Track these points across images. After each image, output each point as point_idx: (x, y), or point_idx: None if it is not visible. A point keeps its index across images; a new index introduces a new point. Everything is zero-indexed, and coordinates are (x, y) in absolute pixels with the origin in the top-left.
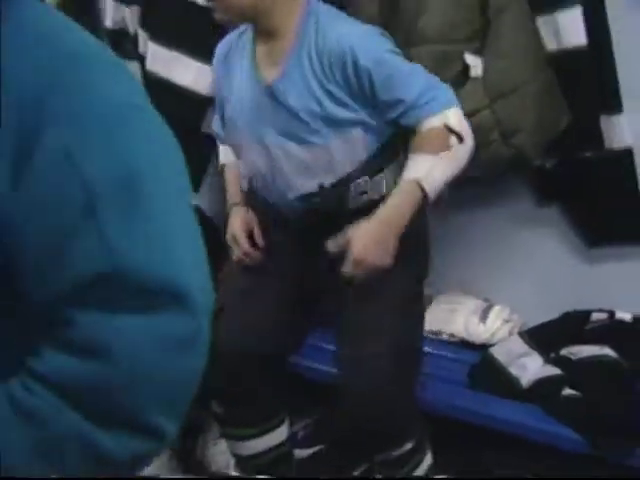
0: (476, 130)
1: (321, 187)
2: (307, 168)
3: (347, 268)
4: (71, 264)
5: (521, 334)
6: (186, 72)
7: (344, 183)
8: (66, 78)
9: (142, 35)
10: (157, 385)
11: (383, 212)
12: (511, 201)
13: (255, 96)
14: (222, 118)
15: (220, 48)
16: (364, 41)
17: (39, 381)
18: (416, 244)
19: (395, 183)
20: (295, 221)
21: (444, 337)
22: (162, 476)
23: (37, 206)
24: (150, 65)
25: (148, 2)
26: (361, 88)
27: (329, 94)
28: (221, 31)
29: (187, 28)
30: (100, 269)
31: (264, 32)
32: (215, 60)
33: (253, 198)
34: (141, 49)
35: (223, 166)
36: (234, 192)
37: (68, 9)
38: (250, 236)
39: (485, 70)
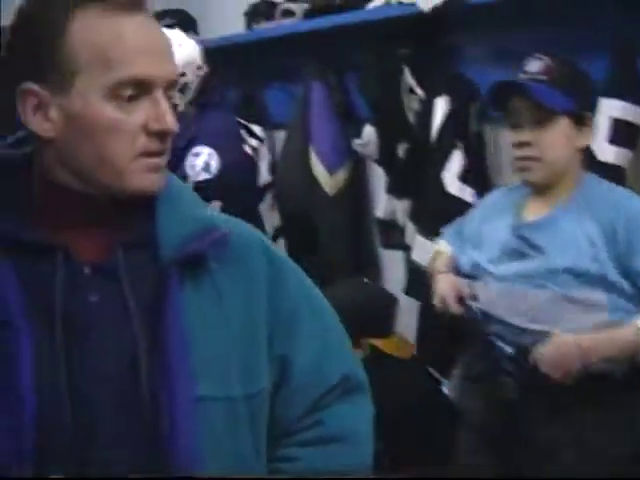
0: None
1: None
2: (542, 313)
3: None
4: (330, 372)
5: None
6: None
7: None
8: None
9: (410, 227)
10: None
11: (593, 337)
12: None
13: (510, 234)
14: (459, 232)
15: (489, 197)
16: None
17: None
18: None
19: None
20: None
21: None
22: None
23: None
24: (415, 255)
25: (418, 197)
26: (626, 253)
27: (592, 252)
28: None
29: (451, 222)
30: (343, 372)
31: (543, 188)
32: (479, 206)
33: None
34: (408, 240)
35: (439, 252)
36: (441, 265)
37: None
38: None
39: None
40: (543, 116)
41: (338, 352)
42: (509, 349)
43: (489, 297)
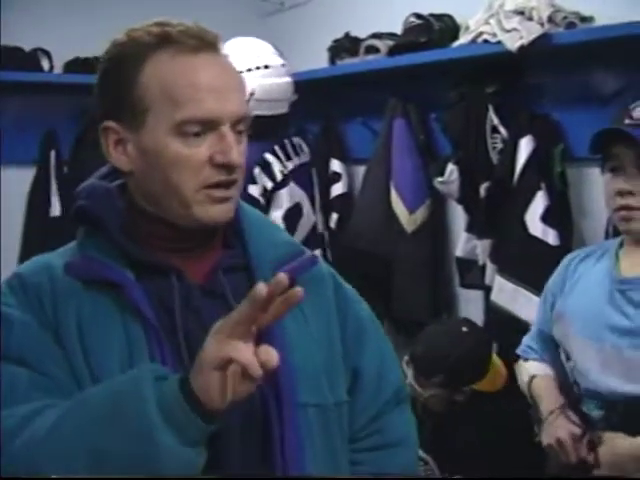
0: None
1: None
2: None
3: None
4: (388, 383)
5: None
6: (528, 306)
7: None
8: None
9: (490, 267)
10: None
11: None
12: None
13: (607, 291)
14: (547, 314)
15: (570, 257)
16: None
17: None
18: None
19: None
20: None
21: None
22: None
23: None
24: (495, 296)
25: (499, 237)
26: None
27: None
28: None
29: (534, 265)
30: (397, 383)
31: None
32: (559, 268)
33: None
34: (487, 280)
35: (534, 377)
36: (554, 399)
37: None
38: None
39: None
40: None
41: (393, 364)
42: (595, 414)
43: (579, 353)
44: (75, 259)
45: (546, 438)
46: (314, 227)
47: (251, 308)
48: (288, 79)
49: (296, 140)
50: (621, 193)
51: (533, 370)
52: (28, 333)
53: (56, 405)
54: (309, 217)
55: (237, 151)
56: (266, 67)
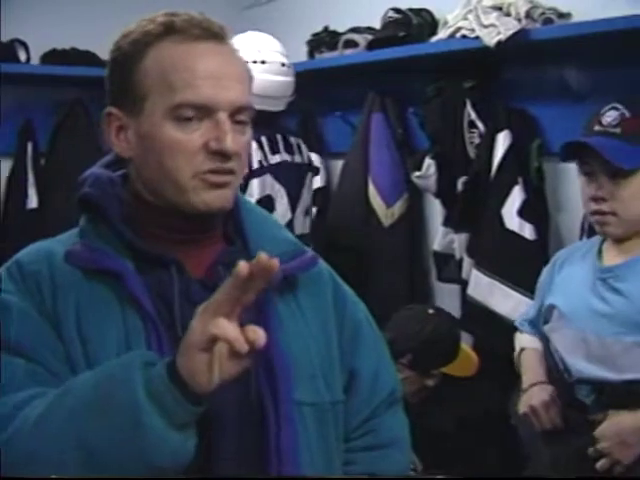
0: None
1: (630, 379)
2: (622, 359)
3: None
4: (383, 384)
5: None
6: (504, 300)
7: None
8: None
9: (467, 261)
10: None
11: None
12: None
13: (590, 281)
14: (539, 307)
15: (560, 254)
16: None
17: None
18: None
19: None
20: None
21: None
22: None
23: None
24: (471, 290)
25: (476, 232)
26: None
27: None
28: (539, 262)
29: (510, 259)
30: (392, 384)
31: (623, 239)
32: (550, 265)
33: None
34: (464, 274)
35: (523, 349)
36: (539, 372)
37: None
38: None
39: None
40: (617, 171)
41: (388, 365)
42: (588, 400)
43: (566, 344)
44: (76, 247)
45: (522, 407)
46: (289, 225)
47: (234, 287)
48: (286, 78)
49: (293, 140)
50: (594, 199)
51: (524, 342)
52: (26, 321)
53: (47, 393)
54: (283, 215)
55: (232, 139)
56: (263, 62)
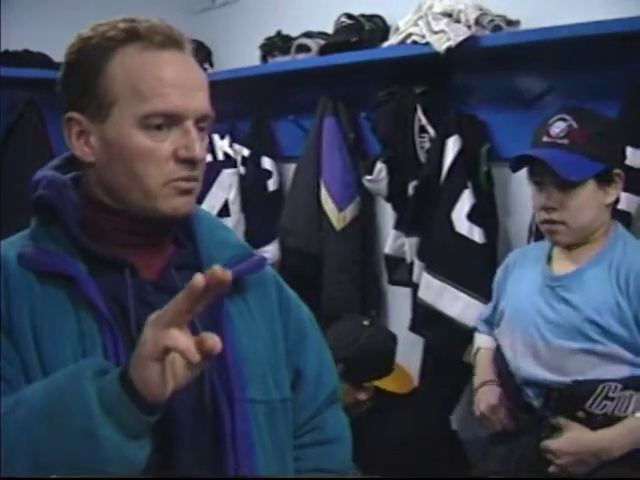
0: None
1: (576, 382)
2: (567, 363)
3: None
4: (326, 382)
5: None
6: (454, 303)
7: (596, 384)
8: None
9: (418, 264)
10: None
11: (603, 436)
12: None
13: (539, 287)
14: (494, 308)
15: (512, 255)
16: None
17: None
18: None
19: None
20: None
21: None
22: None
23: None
24: (422, 293)
25: (427, 235)
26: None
27: (617, 306)
28: (488, 265)
29: (460, 262)
30: (334, 383)
31: (572, 247)
32: (503, 266)
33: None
34: (415, 277)
35: (479, 349)
36: (489, 372)
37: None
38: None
39: None
40: (566, 182)
41: (330, 365)
42: (536, 402)
43: (515, 348)
44: (28, 250)
45: (476, 410)
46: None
47: (188, 299)
48: None
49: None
50: (544, 208)
51: (480, 342)
52: None
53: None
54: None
55: (200, 147)
56: None
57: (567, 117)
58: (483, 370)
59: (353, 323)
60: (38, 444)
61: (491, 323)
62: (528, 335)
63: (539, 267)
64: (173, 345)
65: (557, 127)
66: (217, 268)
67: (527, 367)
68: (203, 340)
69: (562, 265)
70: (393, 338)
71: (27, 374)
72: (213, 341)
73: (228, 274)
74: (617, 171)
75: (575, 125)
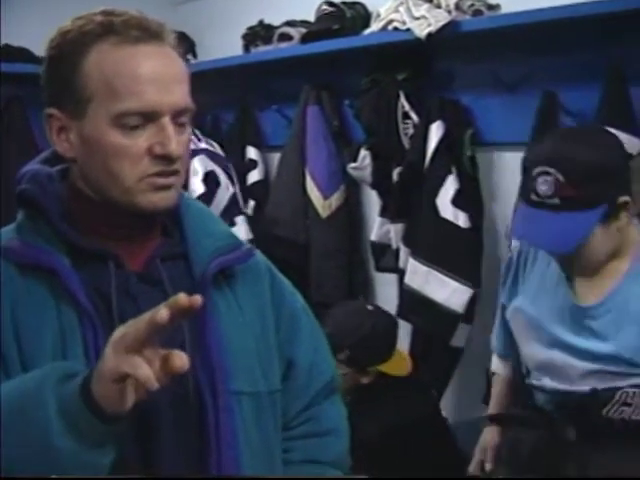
0: None
1: (593, 390)
2: (585, 379)
3: None
4: (321, 373)
5: None
6: (440, 288)
7: (613, 391)
8: None
9: (403, 250)
10: None
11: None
12: None
13: (564, 309)
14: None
15: (521, 249)
16: None
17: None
18: None
19: None
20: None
21: None
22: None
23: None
24: (408, 279)
25: (412, 221)
26: None
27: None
28: (473, 250)
29: (445, 247)
30: (330, 372)
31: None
32: (513, 263)
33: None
34: (401, 263)
35: (493, 374)
36: (497, 405)
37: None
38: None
39: None
40: None
41: (326, 355)
42: (550, 406)
43: (533, 359)
44: (12, 243)
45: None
46: (234, 197)
47: (150, 329)
48: None
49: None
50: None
51: (494, 367)
52: None
53: None
54: (227, 187)
55: (176, 142)
56: None
57: (550, 170)
58: (494, 400)
59: (356, 308)
60: (3, 444)
61: (500, 338)
62: (547, 352)
63: (561, 292)
64: (132, 373)
65: (543, 184)
66: (182, 297)
67: (542, 376)
68: (170, 359)
69: (586, 292)
70: (395, 323)
71: (7, 369)
72: (180, 360)
73: (196, 300)
74: (623, 199)
75: (561, 178)
